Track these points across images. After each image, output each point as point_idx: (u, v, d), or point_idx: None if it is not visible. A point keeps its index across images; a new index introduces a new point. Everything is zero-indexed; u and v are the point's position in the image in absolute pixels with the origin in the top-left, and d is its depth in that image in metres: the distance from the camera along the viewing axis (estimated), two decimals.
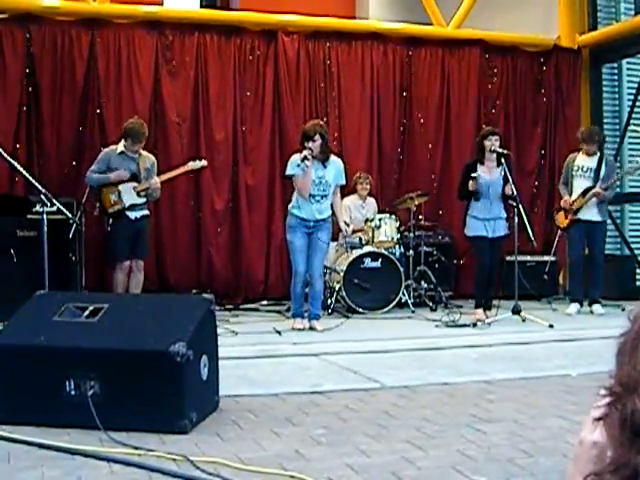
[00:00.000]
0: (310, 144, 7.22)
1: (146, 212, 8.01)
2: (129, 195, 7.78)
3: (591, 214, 8.55)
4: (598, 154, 8.63)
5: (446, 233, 9.97)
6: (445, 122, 10.44)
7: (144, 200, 7.90)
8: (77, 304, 4.06)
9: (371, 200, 9.49)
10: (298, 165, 7.23)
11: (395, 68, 10.28)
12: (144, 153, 7.97)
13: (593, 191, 8.44)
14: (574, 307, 8.59)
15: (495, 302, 7.99)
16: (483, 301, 8.02)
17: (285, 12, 9.94)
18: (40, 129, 8.75)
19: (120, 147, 7.82)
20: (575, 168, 8.64)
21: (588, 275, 8.64)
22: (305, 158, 7.15)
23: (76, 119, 8.86)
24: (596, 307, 8.53)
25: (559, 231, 9.30)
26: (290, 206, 7.47)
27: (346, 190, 9.54)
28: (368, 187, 9.36)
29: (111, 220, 7.80)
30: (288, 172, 7.40)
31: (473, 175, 7.78)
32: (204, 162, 8.29)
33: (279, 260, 9.43)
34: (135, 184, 7.81)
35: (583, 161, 8.64)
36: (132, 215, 7.82)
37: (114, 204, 7.74)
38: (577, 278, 8.76)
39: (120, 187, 7.75)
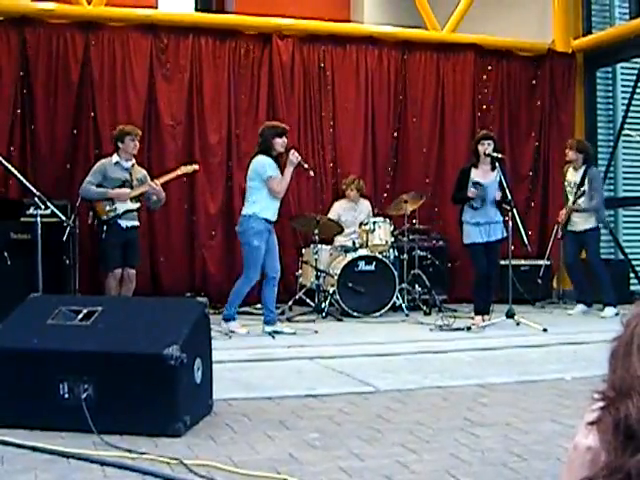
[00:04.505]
0: (284, 139, 7.27)
1: (136, 223, 7.94)
2: (122, 202, 7.74)
3: (581, 224, 8.78)
4: (583, 168, 8.80)
5: (440, 237, 9.97)
6: (439, 126, 10.44)
7: (138, 206, 7.87)
8: (71, 307, 4.05)
9: (364, 202, 9.48)
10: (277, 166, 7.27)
11: (390, 72, 10.28)
12: (137, 167, 7.95)
13: (576, 207, 8.78)
14: (580, 307, 8.83)
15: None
16: (482, 307, 7.99)
17: (280, 15, 9.94)
18: (34, 132, 8.72)
19: (115, 158, 7.77)
20: (566, 184, 8.97)
21: (593, 281, 8.89)
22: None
23: (70, 122, 8.84)
24: (607, 311, 8.55)
25: (553, 236, 9.42)
26: (255, 209, 7.23)
27: (337, 194, 9.65)
28: (354, 191, 9.34)
29: (105, 227, 7.72)
30: (270, 173, 7.18)
31: (477, 181, 7.72)
32: (195, 166, 8.22)
33: None
34: (128, 190, 7.78)
35: (571, 176, 8.92)
36: (124, 224, 7.75)
37: (108, 212, 7.68)
38: (576, 279, 9.01)
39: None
